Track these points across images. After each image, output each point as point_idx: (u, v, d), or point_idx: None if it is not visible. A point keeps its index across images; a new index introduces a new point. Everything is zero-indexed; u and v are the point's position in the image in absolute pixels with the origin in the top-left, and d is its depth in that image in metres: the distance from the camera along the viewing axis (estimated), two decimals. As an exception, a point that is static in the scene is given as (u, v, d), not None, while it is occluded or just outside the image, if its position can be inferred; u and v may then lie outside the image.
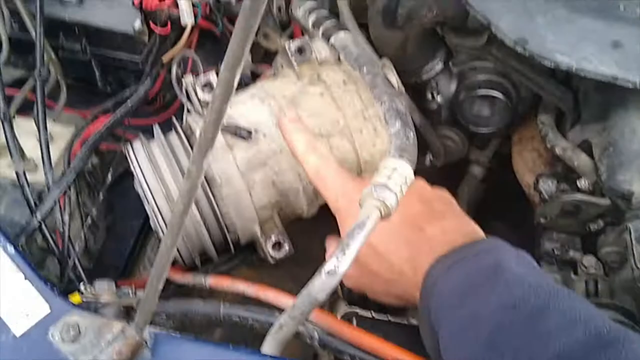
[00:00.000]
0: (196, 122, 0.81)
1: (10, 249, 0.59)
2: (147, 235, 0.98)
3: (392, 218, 0.58)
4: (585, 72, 0.67)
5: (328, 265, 0.54)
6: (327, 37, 0.84)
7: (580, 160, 0.76)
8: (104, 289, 0.66)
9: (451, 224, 0.67)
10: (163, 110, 1.03)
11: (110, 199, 0.95)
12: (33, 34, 0.87)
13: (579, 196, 0.76)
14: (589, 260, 0.76)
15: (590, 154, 0.76)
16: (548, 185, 0.82)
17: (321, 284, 0.54)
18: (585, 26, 0.69)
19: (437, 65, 0.89)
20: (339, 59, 0.84)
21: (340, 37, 0.82)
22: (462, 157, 1.00)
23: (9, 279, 0.57)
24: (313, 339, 0.65)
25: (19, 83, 0.89)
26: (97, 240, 0.92)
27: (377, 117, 0.80)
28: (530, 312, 0.53)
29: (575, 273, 0.77)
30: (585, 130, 0.78)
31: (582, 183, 0.77)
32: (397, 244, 0.66)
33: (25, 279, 0.57)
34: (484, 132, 0.91)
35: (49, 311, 0.55)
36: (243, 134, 0.77)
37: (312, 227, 0.84)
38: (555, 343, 0.50)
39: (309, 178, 0.74)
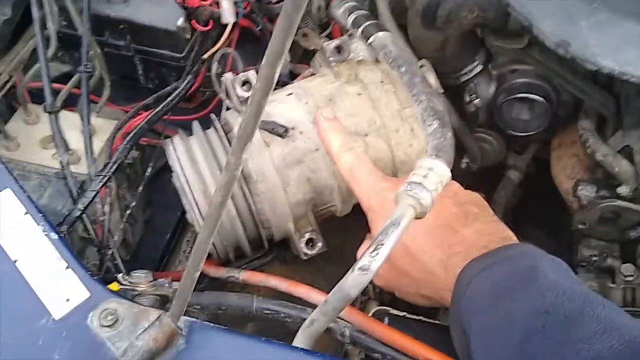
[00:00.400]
0: (234, 119, 0.82)
1: (54, 236, 0.61)
2: (183, 230, 1.00)
3: (426, 218, 0.58)
4: (628, 76, 0.66)
5: (361, 262, 0.54)
6: (366, 37, 0.84)
7: (621, 166, 0.75)
8: (141, 279, 0.67)
9: (485, 227, 0.66)
10: (202, 106, 1.05)
11: (148, 192, 0.97)
12: (80, 30, 0.90)
13: (618, 203, 0.75)
14: (627, 269, 0.75)
15: (631, 161, 0.75)
16: (587, 191, 0.80)
17: (354, 280, 0.54)
18: (629, 30, 0.68)
19: (476, 67, 0.88)
20: (377, 59, 0.85)
21: (380, 37, 0.82)
22: (499, 161, 0.99)
23: (52, 265, 0.59)
24: (344, 335, 0.65)
25: (65, 77, 0.92)
26: (135, 232, 0.93)
27: (414, 118, 0.80)
28: (563, 318, 0.52)
29: (613, 281, 0.76)
30: (626, 136, 0.76)
31: (622, 190, 0.76)
32: (430, 244, 0.66)
33: (67, 265, 0.59)
34: (522, 136, 0.90)
35: (89, 297, 0.57)
36: (280, 131, 0.77)
37: (345, 226, 0.84)
38: (588, 350, 0.49)
39: (343, 176, 0.74)
